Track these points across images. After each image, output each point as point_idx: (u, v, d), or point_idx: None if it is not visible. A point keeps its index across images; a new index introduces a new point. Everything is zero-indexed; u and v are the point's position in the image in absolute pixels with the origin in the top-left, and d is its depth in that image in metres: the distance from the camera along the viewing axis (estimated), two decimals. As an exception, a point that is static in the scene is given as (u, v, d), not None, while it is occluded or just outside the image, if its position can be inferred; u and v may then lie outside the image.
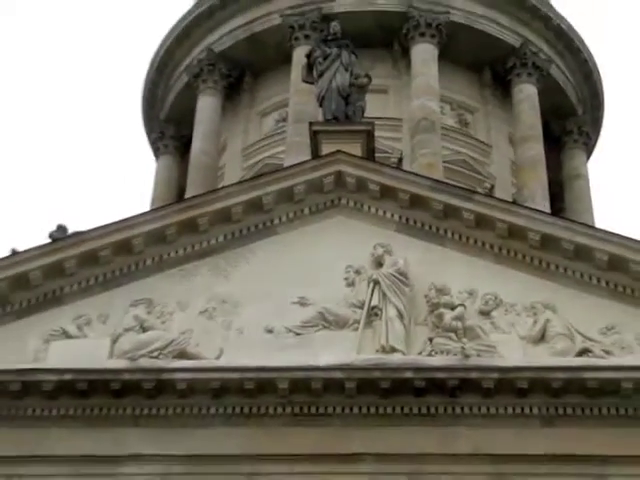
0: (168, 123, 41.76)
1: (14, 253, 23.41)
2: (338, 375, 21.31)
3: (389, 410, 21.30)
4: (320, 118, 26.48)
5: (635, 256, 22.60)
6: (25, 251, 23.35)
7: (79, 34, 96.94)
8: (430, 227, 23.69)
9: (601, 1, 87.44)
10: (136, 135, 50.07)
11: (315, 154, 25.23)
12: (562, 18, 40.39)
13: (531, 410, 21.17)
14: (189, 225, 23.67)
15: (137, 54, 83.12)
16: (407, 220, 23.78)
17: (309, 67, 27.81)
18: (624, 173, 77.15)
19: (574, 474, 20.63)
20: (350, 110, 25.84)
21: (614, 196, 78.40)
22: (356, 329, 22.34)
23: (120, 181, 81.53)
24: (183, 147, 40.52)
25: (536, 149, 37.27)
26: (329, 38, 27.82)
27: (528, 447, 20.84)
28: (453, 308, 22.36)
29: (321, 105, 26.43)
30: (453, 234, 23.57)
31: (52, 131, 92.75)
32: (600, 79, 41.94)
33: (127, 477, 21.07)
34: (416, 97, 35.86)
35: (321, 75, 26.73)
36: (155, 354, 22.14)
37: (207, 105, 38.78)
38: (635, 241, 22.90)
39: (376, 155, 26.46)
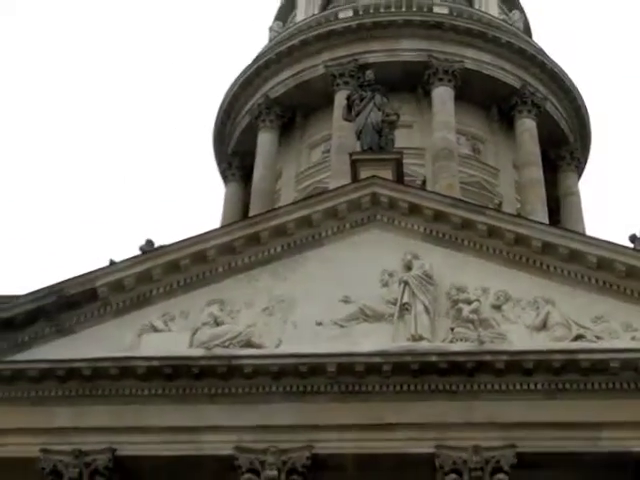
0: (234, 156, 41.65)
1: (112, 263, 23.56)
2: (376, 360, 21.41)
3: (418, 388, 21.35)
4: (358, 149, 26.35)
5: (619, 257, 22.54)
6: (121, 262, 23.51)
7: (170, 91, 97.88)
8: (450, 237, 23.62)
9: (588, 44, 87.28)
10: (209, 166, 50.18)
11: (354, 179, 25.16)
12: (555, 64, 40.20)
13: (536, 386, 21.18)
14: (253, 238, 23.73)
15: (207, 101, 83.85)
16: (431, 232, 23.72)
17: (348, 108, 27.76)
18: (609, 188, 76.79)
19: (572, 438, 20.61)
20: (382, 142, 25.79)
21: (601, 207, 77.94)
22: (390, 321, 22.39)
23: (196, 203, 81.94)
24: (246, 175, 40.34)
25: (536, 172, 37.08)
26: (364, 84, 27.82)
27: (533, 416, 20.88)
28: (470, 303, 22.43)
29: (359, 138, 26.38)
30: (469, 242, 23.52)
31: (145, 166, 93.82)
32: (587, 112, 41.57)
33: (206, 444, 21.21)
34: (437, 130, 35.82)
35: (358, 114, 26.67)
36: (226, 344, 22.31)
37: (265, 140, 38.82)
38: (618, 245, 22.88)
39: (404, 178, 26.40)
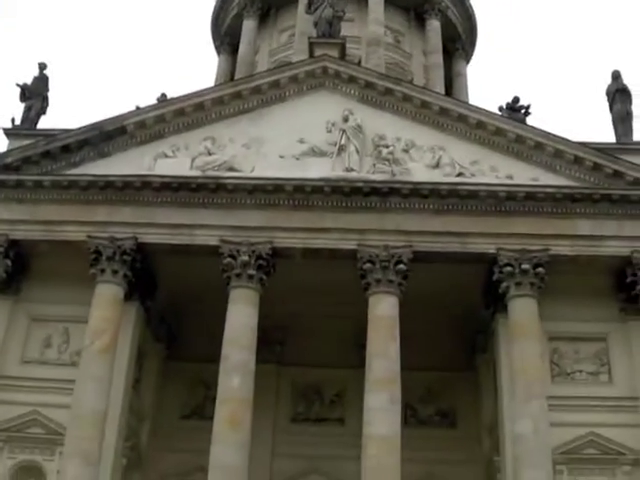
0: (225, 35, 39.84)
1: (137, 108, 22.67)
2: (320, 183, 20.99)
3: (348, 204, 21.03)
4: (314, 35, 25.10)
5: (490, 120, 22.02)
6: (143, 107, 22.60)
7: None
8: (376, 100, 22.68)
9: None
10: (207, 42, 48.02)
11: (311, 55, 24.09)
12: (455, -18, 39.01)
13: (429, 206, 20.94)
14: (237, 95, 22.69)
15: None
16: (363, 96, 22.79)
17: (309, 5, 26.45)
18: (490, 72, 75.55)
19: (450, 242, 20.64)
20: (332, 31, 24.63)
21: (483, 85, 76.92)
22: (331, 157, 21.80)
23: (197, 69, 78.92)
24: (234, 50, 38.78)
25: (437, 58, 35.93)
26: (321, -13, 26.35)
27: (426, 227, 20.83)
28: (387, 147, 21.87)
29: (315, 27, 25.14)
30: (389, 105, 22.57)
31: (161, 43, 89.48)
32: (475, 18, 40.15)
33: (199, 237, 20.93)
34: (370, 25, 34.37)
35: (316, 10, 25.34)
36: (216, 168, 21.68)
37: (248, 26, 37.13)
38: (490, 112, 22.32)
39: (346, 57, 25.27)
